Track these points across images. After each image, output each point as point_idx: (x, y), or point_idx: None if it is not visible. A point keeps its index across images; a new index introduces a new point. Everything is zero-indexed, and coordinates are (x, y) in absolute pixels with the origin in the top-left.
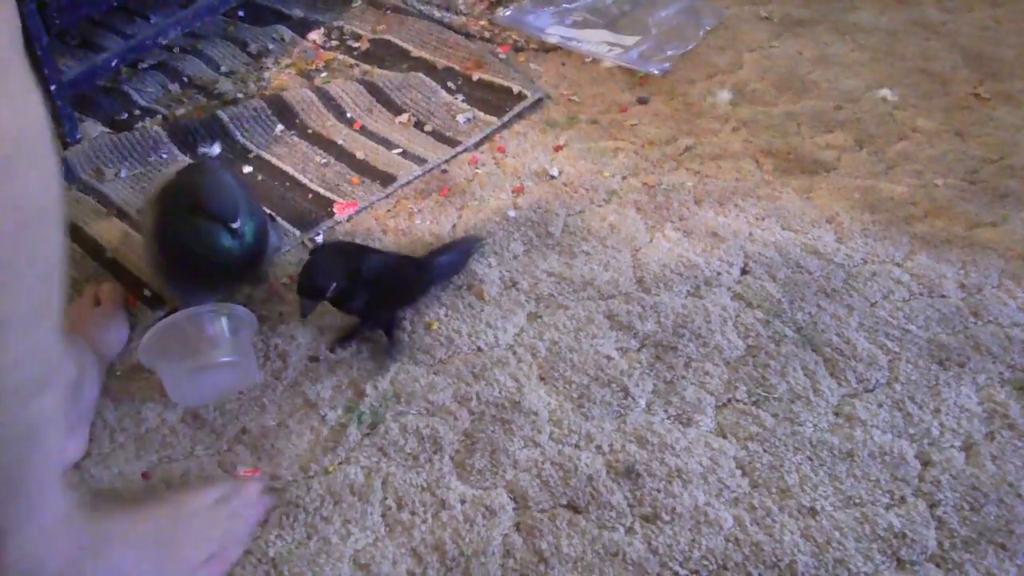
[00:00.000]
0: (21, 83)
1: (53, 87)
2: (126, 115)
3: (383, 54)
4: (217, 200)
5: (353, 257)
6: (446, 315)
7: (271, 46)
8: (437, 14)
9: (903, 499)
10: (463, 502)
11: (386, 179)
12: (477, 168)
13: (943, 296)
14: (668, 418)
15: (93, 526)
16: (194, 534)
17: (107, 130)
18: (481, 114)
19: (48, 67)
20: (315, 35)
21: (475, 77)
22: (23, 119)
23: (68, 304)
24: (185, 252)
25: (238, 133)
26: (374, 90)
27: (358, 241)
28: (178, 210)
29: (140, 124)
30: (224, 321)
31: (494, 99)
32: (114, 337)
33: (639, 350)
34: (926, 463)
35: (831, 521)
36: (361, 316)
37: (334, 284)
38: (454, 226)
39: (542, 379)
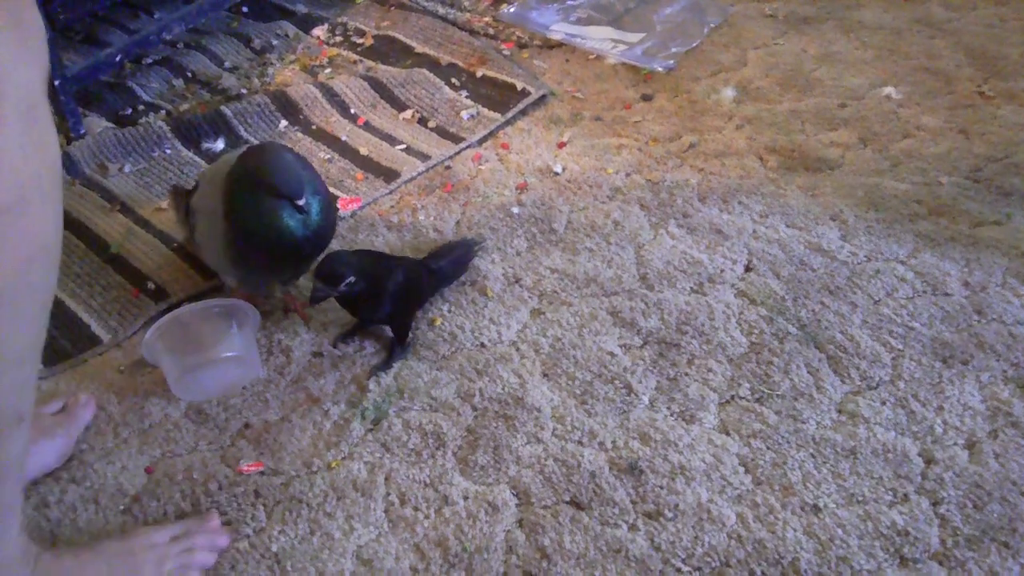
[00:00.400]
0: (46, 125)
1: (58, 82)
2: (130, 110)
3: (387, 50)
4: (281, 177)
5: (375, 264)
6: (449, 311)
7: (275, 42)
8: (441, 10)
9: (906, 497)
10: (466, 498)
11: (390, 175)
12: (481, 164)
13: (947, 294)
14: (671, 415)
15: (43, 568)
16: (147, 570)
17: (111, 125)
18: (485, 110)
19: (52, 62)
20: (319, 31)
21: (479, 73)
22: (44, 160)
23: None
24: (252, 232)
25: (242, 129)
26: (378, 86)
27: (361, 237)
28: (243, 191)
29: (144, 119)
30: (227, 316)
31: (498, 95)
32: (46, 454)
33: (642, 347)
34: (929, 461)
35: (834, 518)
36: (381, 323)
37: (352, 277)
38: (458, 222)
39: (545, 375)
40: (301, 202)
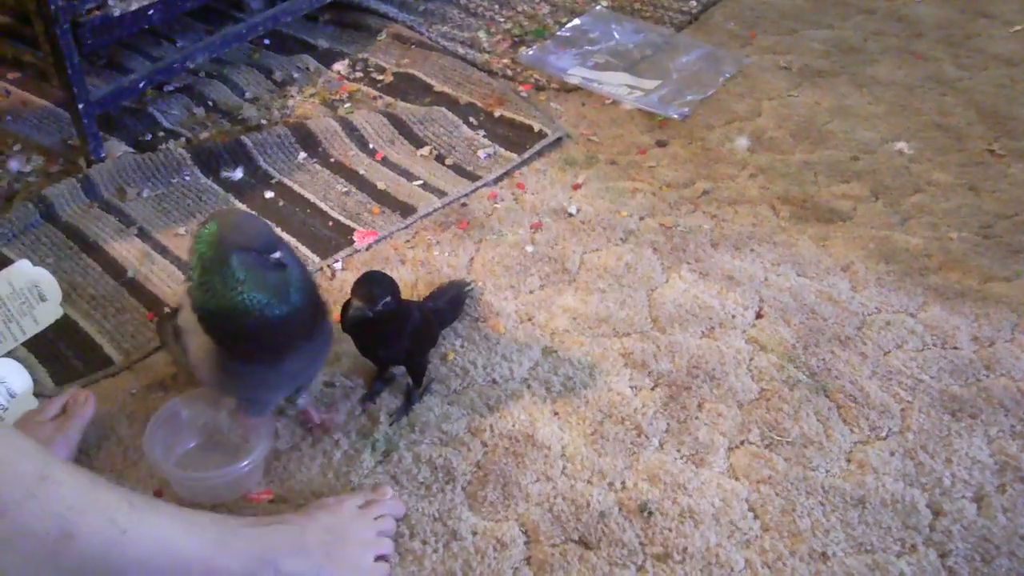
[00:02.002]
0: None
1: (81, 105)
2: (150, 136)
3: (407, 87)
4: (246, 231)
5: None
6: (462, 346)
7: (296, 75)
8: (461, 51)
9: (914, 547)
10: (474, 533)
11: (406, 210)
12: (496, 203)
13: (956, 348)
14: (681, 457)
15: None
16: (357, 539)
17: (131, 150)
18: (502, 150)
19: (77, 86)
20: (340, 66)
21: (497, 114)
22: None
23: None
24: (224, 310)
25: (261, 159)
26: (397, 122)
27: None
28: (209, 264)
29: (164, 146)
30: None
31: (515, 136)
32: None
33: (653, 388)
34: (937, 512)
35: (842, 567)
36: (398, 362)
37: (389, 298)
38: (472, 259)
39: (556, 414)
40: (277, 255)
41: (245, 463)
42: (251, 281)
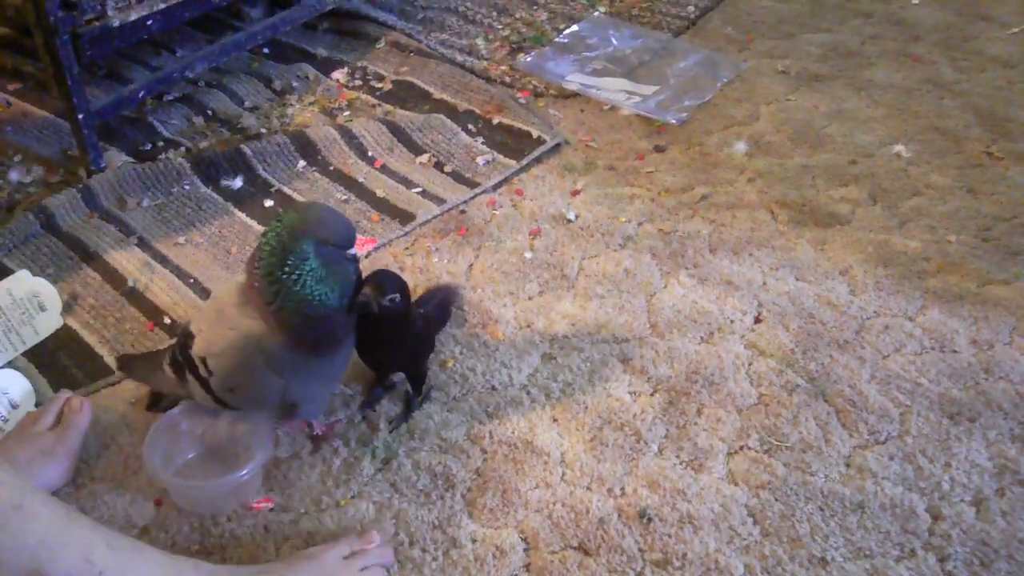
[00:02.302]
0: None
1: (81, 116)
2: (150, 146)
3: (405, 95)
4: (326, 226)
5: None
6: (461, 353)
7: (295, 83)
8: (459, 58)
9: (913, 552)
10: (474, 541)
11: (405, 217)
12: (495, 209)
13: (955, 351)
14: (680, 463)
15: None
16: None
17: (131, 160)
18: (500, 157)
19: (77, 96)
20: (339, 74)
21: (495, 120)
22: None
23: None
24: (313, 303)
25: (261, 168)
26: (396, 130)
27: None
28: (291, 262)
29: (164, 155)
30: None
31: (513, 143)
32: (50, 474)
33: (652, 394)
34: (936, 517)
35: (841, 572)
36: (399, 369)
37: (397, 295)
38: (471, 266)
39: (555, 420)
40: (353, 251)
41: (244, 471)
42: (331, 275)
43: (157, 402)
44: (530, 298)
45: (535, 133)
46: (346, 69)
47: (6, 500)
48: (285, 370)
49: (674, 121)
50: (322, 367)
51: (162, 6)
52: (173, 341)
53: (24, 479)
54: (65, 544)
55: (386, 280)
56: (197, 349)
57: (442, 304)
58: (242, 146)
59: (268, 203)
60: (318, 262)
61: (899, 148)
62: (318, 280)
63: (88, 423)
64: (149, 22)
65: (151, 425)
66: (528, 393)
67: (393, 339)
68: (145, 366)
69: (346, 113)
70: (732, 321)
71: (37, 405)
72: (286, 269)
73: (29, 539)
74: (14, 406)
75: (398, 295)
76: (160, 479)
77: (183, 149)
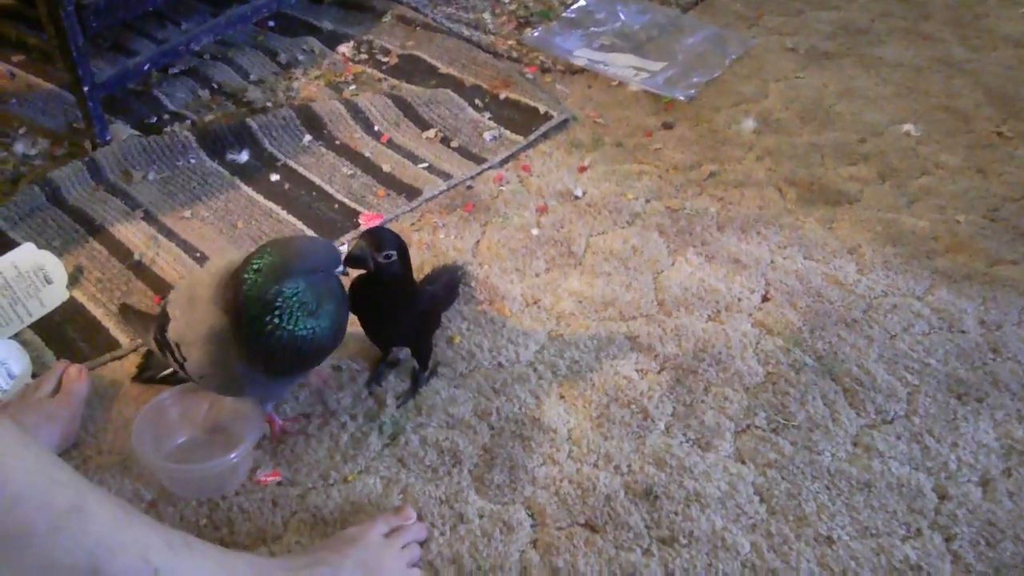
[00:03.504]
0: None
1: (86, 88)
2: (155, 119)
3: (412, 69)
4: (312, 250)
5: (408, 266)
6: (468, 329)
7: (301, 57)
8: (466, 32)
9: (919, 531)
10: (481, 516)
11: (412, 192)
12: (502, 185)
13: (963, 331)
14: (687, 441)
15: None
16: (390, 568)
17: (136, 133)
18: (507, 132)
19: (82, 68)
20: (345, 48)
21: (502, 96)
22: None
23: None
24: (293, 331)
25: (267, 141)
26: (402, 104)
27: None
28: (270, 286)
29: (169, 128)
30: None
31: (520, 118)
32: (52, 439)
33: (659, 372)
34: (943, 496)
35: (847, 551)
36: (403, 344)
37: (393, 253)
38: (478, 242)
39: (562, 397)
40: (340, 269)
41: (234, 455)
42: (322, 301)
43: (143, 372)
44: (537, 275)
45: (542, 109)
46: (352, 43)
47: (65, 502)
48: (249, 377)
49: (682, 98)
50: (288, 384)
51: None
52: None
53: (83, 479)
54: (123, 544)
55: (384, 236)
56: (172, 334)
57: (449, 283)
58: (248, 120)
59: (274, 177)
60: (309, 294)
61: (908, 127)
62: (308, 314)
63: (87, 390)
64: None
65: (140, 410)
66: (535, 370)
67: (396, 311)
68: (141, 325)
69: (352, 87)
70: (740, 299)
71: (34, 376)
72: (276, 311)
73: (88, 540)
74: (12, 376)
75: (394, 252)
76: (150, 464)
77: (188, 122)
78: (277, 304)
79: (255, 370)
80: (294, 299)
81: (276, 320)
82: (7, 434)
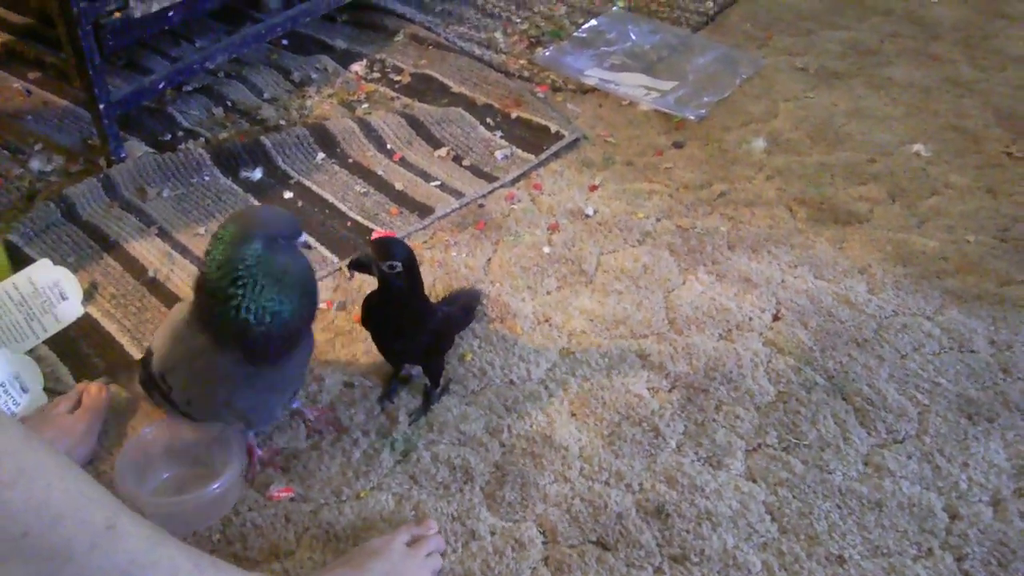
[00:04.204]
0: None
1: (102, 105)
2: (170, 136)
3: (424, 88)
4: (270, 219)
5: (419, 284)
6: (480, 347)
7: (314, 75)
8: (478, 51)
9: (931, 551)
10: (493, 533)
11: (424, 211)
12: (513, 204)
13: (973, 351)
14: (698, 460)
15: None
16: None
17: (151, 150)
18: (519, 151)
19: (98, 86)
20: (358, 67)
21: (514, 115)
22: None
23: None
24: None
25: (280, 159)
26: (414, 123)
27: None
28: (227, 268)
29: (183, 146)
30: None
31: (532, 137)
32: (71, 454)
33: (670, 390)
34: (954, 516)
35: (859, 570)
36: (414, 362)
37: (399, 264)
38: (489, 260)
39: (573, 415)
40: (303, 239)
41: (216, 485)
42: (286, 275)
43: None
44: (548, 293)
45: (553, 128)
46: (365, 61)
47: (101, 520)
48: (234, 382)
49: (692, 117)
50: (272, 377)
51: None
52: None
53: (115, 497)
54: (155, 563)
55: (390, 246)
56: (156, 365)
57: (467, 306)
58: (261, 138)
59: (287, 195)
60: (271, 262)
61: (918, 147)
62: (275, 283)
63: (106, 406)
64: (170, 13)
65: (123, 445)
66: (546, 388)
67: (406, 327)
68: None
69: (365, 106)
70: (750, 318)
71: (46, 390)
72: (239, 281)
73: (121, 558)
74: (25, 391)
75: (399, 264)
76: (134, 500)
77: (202, 140)
78: (239, 272)
79: (234, 363)
80: (255, 267)
81: (240, 292)
82: (46, 454)
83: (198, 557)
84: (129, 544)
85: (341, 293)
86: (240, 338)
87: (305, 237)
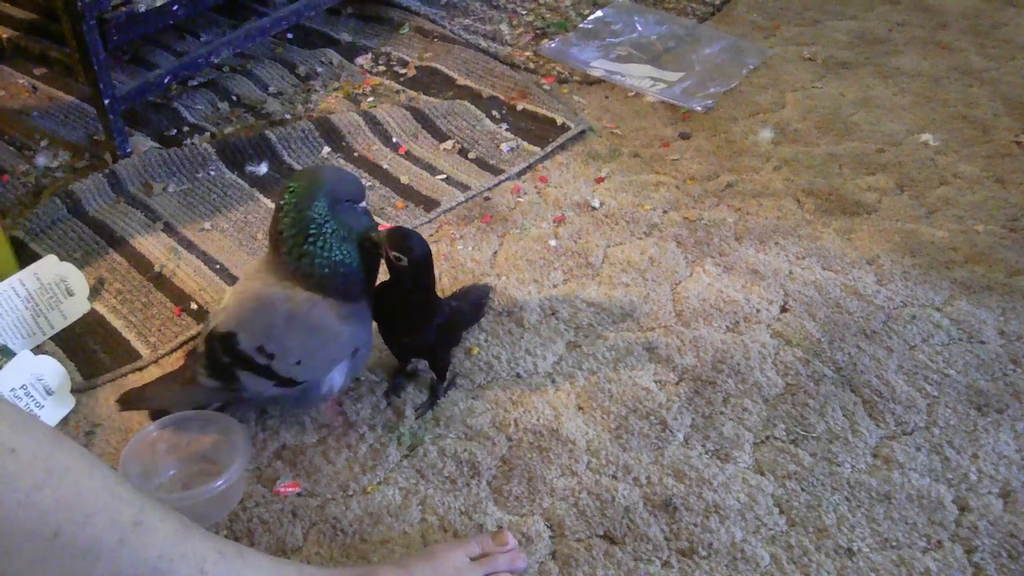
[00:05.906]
0: None
1: (107, 101)
2: (175, 131)
3: (429, 81)
4: (333, 183)
5: (430, 279)
6: (486, 341)
7: (319, 69)
8: (483, 44)
9: (940, 543)
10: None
11: (429, 204)
12: (519, 197)
13: (982, 342)
14: (706, 453)
15: None
16: None
17: (156, 145)
18: (524, 143)
19: (103, 81)
20: (363, 60)
21: (519, 107)
22: None
23: None
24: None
25: (286, 154)
26: (420, 116)
27: None
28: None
29: (189, 140)
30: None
31: (537, 129)
32: None
33: (678, 383)
34: (963, 508)
35: (868, 563)
36: (421, 355)
37: (405, 258)
38: (495, 253)
39: (580, 408)
40: (363, 204)
41: (220, 482)
42: (351, 231)
43: (129, 400)
44: (555, 286)
45: (559, 120)
46: (370, 55)
47: (129, 517)
48: (345, 321)
49: (699, 108)
50: (363, 309)
51: None
52: (183, 362)
53: (142, 493)
54: (183, 556)
55: (406, 239)
56: (248, 342)
57: (476, 302)
58: (267, 132)
59: None
60: (337, 220)
61: (927, 137)
62: (342, 239)
63: None
64: (175, 7)
65: (126, 444)
66: (553, 381)
67: (413, 321)
68: (162, 391)
69: (370, 99)
70: (758, 310)
71: (72, 392)
72: (310, 238)
73: (149, 553)
74: (49, 392)
75: (405, 259)
76: None
77: (208, 134)
78: (310, 229)
79: (338, 303)
80: (325, 224)
81: (310, 247)
82: (73, 453)
83: (223, 546)
84: (157, 539)
85: None
86: (332, 278)
87: (365, 203)
